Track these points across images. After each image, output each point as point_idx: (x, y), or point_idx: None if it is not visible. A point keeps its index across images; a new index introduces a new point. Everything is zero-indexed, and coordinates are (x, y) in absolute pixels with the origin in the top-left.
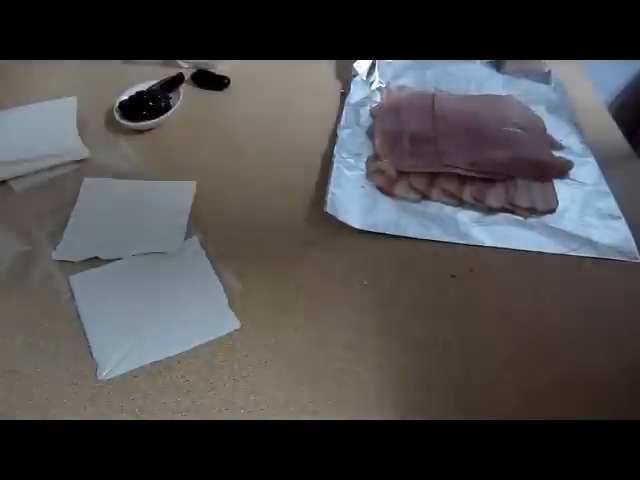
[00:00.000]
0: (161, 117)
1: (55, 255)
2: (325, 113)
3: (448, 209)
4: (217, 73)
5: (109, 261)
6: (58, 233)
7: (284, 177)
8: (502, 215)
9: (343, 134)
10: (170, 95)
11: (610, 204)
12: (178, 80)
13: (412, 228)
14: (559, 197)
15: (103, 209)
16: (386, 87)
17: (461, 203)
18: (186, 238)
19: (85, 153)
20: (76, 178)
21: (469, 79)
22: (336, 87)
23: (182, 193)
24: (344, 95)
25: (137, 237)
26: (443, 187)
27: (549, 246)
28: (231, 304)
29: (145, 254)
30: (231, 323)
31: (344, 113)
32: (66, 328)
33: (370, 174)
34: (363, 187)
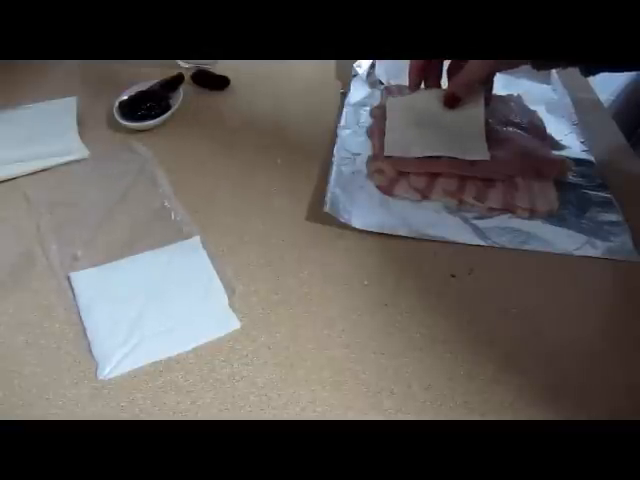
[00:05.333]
0: (161, 117)
1: None
2: (325, 113)
3: (448, 209)
4: (217, 73)
5: (109, 261)
6: (58, 232)
7: (284, 177)
8: (502, 215)
9: (343, 134)
10: (170, 95)
11: (610, 204)
12: (178, 80)
13: (412, 228)
14: (559, 197)
15: None
16: (386, 87)
17: (461, 203)
18: (186, 239)
19: (85, 153)
20: (76, 178)
21: None
22: (336, 87)
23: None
24: (344, 95)
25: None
26: (443, 187)
27: (549, 246)
28: (231, 304)
29: (144, 254)
30: (231, 323)
31: (344, 113)
32: (66, 328)
33: (370, 174)
34: (363, 187)
